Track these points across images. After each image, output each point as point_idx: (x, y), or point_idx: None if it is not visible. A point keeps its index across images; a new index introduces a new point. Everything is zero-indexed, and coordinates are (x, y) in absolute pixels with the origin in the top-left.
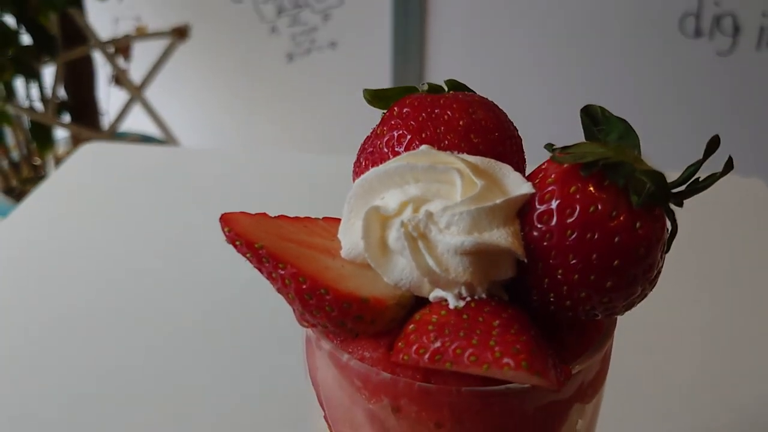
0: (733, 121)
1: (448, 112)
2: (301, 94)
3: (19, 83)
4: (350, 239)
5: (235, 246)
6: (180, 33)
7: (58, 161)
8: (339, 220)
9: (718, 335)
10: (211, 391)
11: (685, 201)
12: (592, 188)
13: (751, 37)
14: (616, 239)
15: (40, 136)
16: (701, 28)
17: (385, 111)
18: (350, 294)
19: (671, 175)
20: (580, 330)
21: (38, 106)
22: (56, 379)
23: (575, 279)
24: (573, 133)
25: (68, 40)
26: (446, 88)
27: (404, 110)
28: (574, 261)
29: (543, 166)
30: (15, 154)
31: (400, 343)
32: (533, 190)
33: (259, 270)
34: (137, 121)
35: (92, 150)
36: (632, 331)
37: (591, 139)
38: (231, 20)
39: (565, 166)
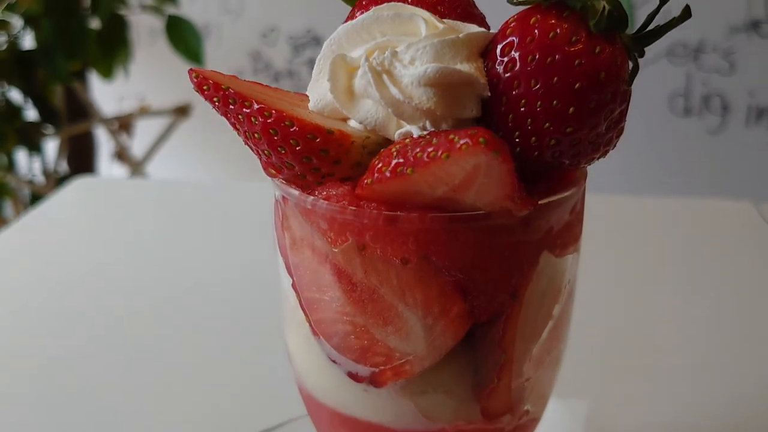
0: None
1: None
2: None
3: (21, 157)
4: (318, 92)
5: (202, 91)
6: (182, 111)
7: None
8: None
9: (713, 340)
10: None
11: (680, 223)
12: (551, 18)
13: (739, 115)
14: (577, 62)
15: None
16: (690, 107)
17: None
18: (315, 125)
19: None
20: (548, 181)
21: (39, 178)
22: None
23: (539, 108)
24: None
25: (72, 116)
26: None
27: None
28: (536, 87)
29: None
30: None
31: (365, 176)
32: (495, 32)
33: (226, 116)
34: None
35: (84, 184)
36: (627, 330)
37: None
38: None
39: (528, 7)
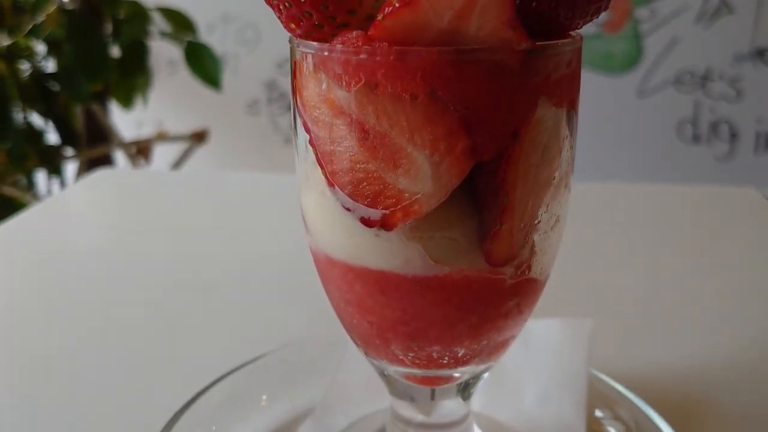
0: None
1: None
2: None
3: (41, 180)
4: None
5: None
6: (199, 137)
7: None
8: None
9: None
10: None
11: (686, 211)
12: None
13: (747, 142)
14: None
15: None
16: (699, 134)
17: None
18: None
19: None
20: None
21: None
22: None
23: None
24: None
25: (92, 140)
26: None
27: None
28: None
29: None
30: None
31: (378, 14)
32: None
33: None
34: None
35: (106, 175)
36: (638, 317)
37: None
38: (248, 129)
39: None
